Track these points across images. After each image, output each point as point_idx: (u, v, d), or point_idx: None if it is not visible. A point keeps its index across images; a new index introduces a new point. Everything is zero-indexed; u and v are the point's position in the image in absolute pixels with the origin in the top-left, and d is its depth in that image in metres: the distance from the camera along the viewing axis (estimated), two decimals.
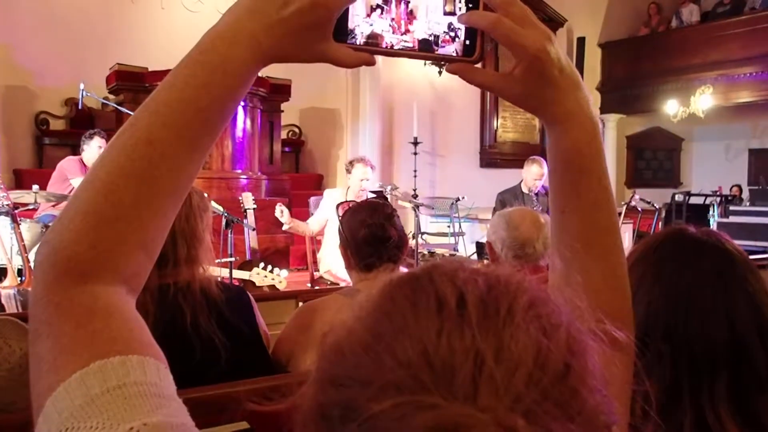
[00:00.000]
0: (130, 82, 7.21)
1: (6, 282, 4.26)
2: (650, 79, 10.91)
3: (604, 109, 11.55)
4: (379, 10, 0.65)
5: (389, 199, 5.26)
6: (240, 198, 4.90)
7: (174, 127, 0.59)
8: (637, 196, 6.20)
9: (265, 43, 0.62)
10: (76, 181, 5.91)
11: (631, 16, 11.46)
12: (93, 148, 5.93)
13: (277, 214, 4.68)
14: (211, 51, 0.62)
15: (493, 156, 10.38)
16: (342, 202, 4.33)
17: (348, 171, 5.09)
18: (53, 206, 5.73)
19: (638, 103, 11.23)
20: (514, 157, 9.34)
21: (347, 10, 0.63)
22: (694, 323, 0.99)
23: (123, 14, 8.46)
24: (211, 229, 1.96)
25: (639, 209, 6.47)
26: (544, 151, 10.66)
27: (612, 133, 11.74)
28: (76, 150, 6.65)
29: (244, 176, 7.40)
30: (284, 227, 4.85)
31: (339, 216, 2.30)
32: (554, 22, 10.78)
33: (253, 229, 4.52)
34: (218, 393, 1.53)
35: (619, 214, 6.85)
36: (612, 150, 11.72)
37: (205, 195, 1.96)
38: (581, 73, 10.90)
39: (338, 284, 4.56)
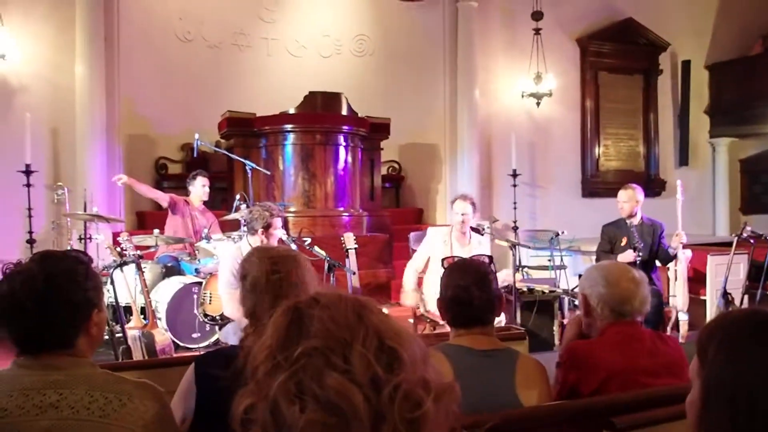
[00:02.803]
0: (240, 128, 7.67)
1: (132, 323, 4.65)
2: (765, 99, 10.40)
3: (713, 133, 11.10)
4: None
5: (485, 237, 5.30)
6: (342, 238, 5.11)
7: None
8: (748, 228, 5.94)
9: None
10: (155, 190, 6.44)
11: (741, 36, 11.01)
12: (197, 187, 6.34)
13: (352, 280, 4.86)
14: None
15: (595, 185, 10.19)
16: (447, 257, 4.46)
17: (452, 207, 5.21)
18: (174, 249, 6.16)
19: (752, 125, 10.71)
20: (618, 185, 9.02)
21: None
22: None
23: (232, 63, 9.01)
24: (315, 279, 2.11)
25: (751, 241, 6.18)
26: (649, 178, 10.32)
27: (723, 158, 11.25)
28: None
29: (346, 213, 7.65)
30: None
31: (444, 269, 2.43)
32: (656, 47, 10.54)
33: (354, 273, 4.69)
34: None
35: (730, 244, 6.56)
36: (724, 175, 11.22)
37: (304, 255, 2.12)
38: (687, 97, 10.56)
39: (438, 322, 4.67)
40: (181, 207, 6.30)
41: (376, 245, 7.51)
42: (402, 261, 6.30)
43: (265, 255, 2.03)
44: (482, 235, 5.65)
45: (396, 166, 9.83)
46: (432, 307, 4.86)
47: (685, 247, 5.53)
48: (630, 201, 5.54)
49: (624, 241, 5.48)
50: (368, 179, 8.39)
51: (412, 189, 9.99)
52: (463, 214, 5.02)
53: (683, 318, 5.40)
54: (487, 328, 2.15)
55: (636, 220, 5.55)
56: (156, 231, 5.84)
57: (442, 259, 4.35)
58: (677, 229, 5.60)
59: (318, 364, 0.83)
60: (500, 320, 4.66)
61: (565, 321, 5.58)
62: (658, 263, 5.64)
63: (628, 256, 5.27)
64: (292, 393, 0.82)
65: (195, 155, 7.12)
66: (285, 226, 6.04)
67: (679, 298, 5.61)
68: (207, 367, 1.93)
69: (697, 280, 6.64)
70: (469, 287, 2.12)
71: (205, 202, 6.50)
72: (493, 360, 2.08)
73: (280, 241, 4.62)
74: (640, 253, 5.27)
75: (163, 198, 6.35)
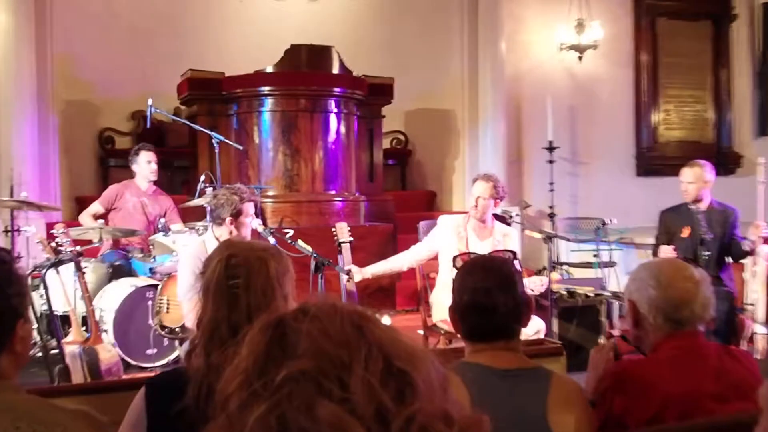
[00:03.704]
0: (205, 91, 7.66)
1: (70, 336, 4.67)
2: None
3: None
4: None
5: (512, 228, 5.31)
6: (333, 229, 5.12)
7: None
8: None
9: None
10: (91, 212, 6.34)
11: None
12: (141, 165, 6.35)
13: (346, 282, 4.83)
14: None
15: (653, 161, 10.18)
16: (459, 254, 4.46)
17: None
18: (124, 243, 6.17)
19: None
20: (682, 161, 8.98)
21: None
22: None
23: (195, 10, 9.01)
24: (294, 283, 2.15)
25: None
26: (721, 152, 10.29)
27: None
28: None
29: (339, 198, 7.66)
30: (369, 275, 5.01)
31: (456, 269, 2.45)
32: None
33: (348, 273, 4.71)
34: None
35: None
36: None
37: (284, 254, 2.15)
38: (765, 49, 10.48)
39: (455, 335, 4.68)
40: (121, 197, 6.32)
41: (376, 238, 7.52)
42: None
43: (224, 252, 2.07)
44: (509, 224, 5.65)
45: (401, 138, 9.82)
46: (444, 315, 4.87)
47: (765, 241, 5.51)
48: (697, 182, 5.52)
49: (686, 232, 5.47)
50: (366, 155, 8.39)
51: (421, 167, 9.99)
52: (477, 198, 5.01)
53: (762, 331, 5.38)
54: (512, 341, 2.16)
55: (703, 206, 5.54)
56: (100, 221, 5.85)
57: (454, 257, 4.35)
58: (757, 218, 5.57)
59: (307, 391, 0.82)
60: (539, 329, 4.67)
61: (615, 332, 5.58)
62: (729, 259, 5.63)
63: (667, 251, 5.26)
64: (273, 429, 0.81)
65: (148, 126, 7.11)
66: (261, 214, 6.05)
67: (758, 306, 5.61)
68: (160, 391, 1.95)
69: None
70: (490, 291, 2.12)
71: (156, 183, 6.51)
72: (520, 381, 2.09)
73: (255, 233, 4.63)
74: (706, 251, 5.26)
75: (99, 209, 6.35)
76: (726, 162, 10.19)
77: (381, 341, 0.87)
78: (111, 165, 8.67)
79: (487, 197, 4.99)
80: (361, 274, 4.89)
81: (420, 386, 0.85)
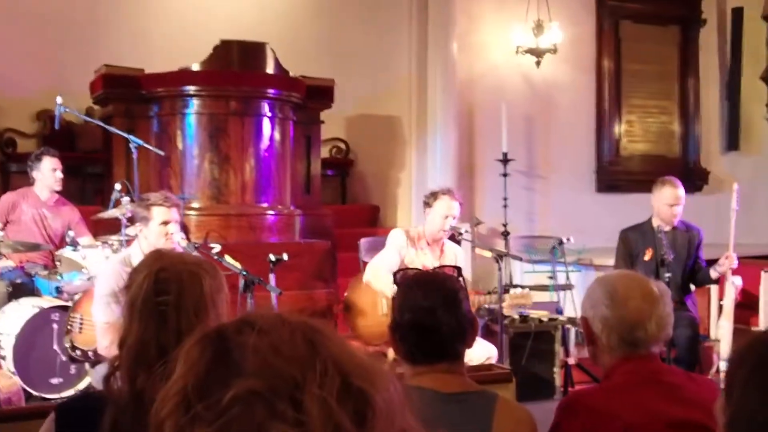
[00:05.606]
0: (122, 89, 7.59)
1: None
2: None
3: None
4: None
5: (462, 248, 5.40)
6: None
7: None
8: None
9: None
10: None
11: None
12: (45, 173, 6.27)
13: None
14: None
15: (614, 176, 10.36)
16: (399, 270, 4.54)
17: (428, 205, 5.29)
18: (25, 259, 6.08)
19: None
20: (645, 176, 9.24)
21: None
22: None
23: None
24: (227, 303, 2.18)
25: None
26: (687, 168, 10.49)
27: None
28: None
29: (272, 211, 7.65)
30: None
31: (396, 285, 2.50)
32: None
33: (280, 293, 4.73)
34: None
35: None
36: None
37: (219, 270, 2.17)
38: (739, 57, 10.78)
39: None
40: (16, 208, 6.23)
41: (313, 256, 7.52)
42: (349, 279, 6.34)
43: (152, 265, 2.07)
44: (459, 243, 5.73)
45: (342, 146, 9.86)
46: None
47: (734, 272, 5.63)
48: (681, 203, 5.65)
49: (648, 254, 5.60)
50: (303, 164, 8.40)
51: (363, 178, 10.03)
52: (446, 216, 5.13)
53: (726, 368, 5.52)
54: (455, 363, 2.22)
55: (674, 222, 5.68)
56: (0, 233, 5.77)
57: (395, 273, 4.43)
58: (728, 246, 5.65)
59: (259, 413, 0.81)
60: (490, 356, 4.76)
61: (570, 359, 5.69)
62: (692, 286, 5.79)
63: None
64: None
65: (56, 127, 7.03)
66: (184, 228, 6.03)
67: (723, 341, 5.75)
68: (73, 417, 1.96)
69: (746, 306, 6.82)
70: (434, 309, 2.18)
71: (63, 193, 6.45)
72: (465, 405, 2.14)
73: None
74: (668, 273, 5.37)
75: None
76: (692, 178, 10.34)
77: (336, 357, 0.87)
78: (12, 171, 8.52)
79: (456, 216, 5.14)
80: None
81: (380, 406, 0.85)
